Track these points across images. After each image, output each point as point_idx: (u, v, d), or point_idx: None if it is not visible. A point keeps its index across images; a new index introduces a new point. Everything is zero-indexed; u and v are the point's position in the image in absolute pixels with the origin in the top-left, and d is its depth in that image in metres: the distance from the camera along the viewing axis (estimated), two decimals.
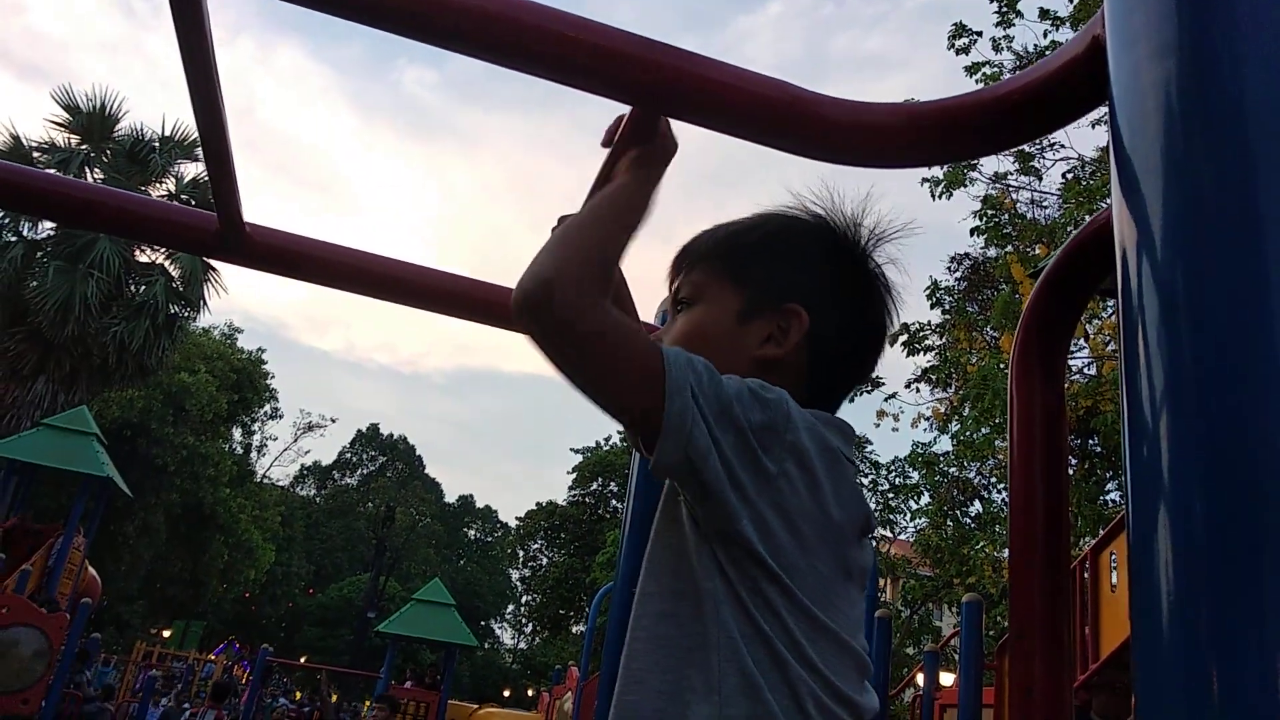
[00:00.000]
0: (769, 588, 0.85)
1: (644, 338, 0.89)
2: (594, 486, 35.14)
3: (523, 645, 47.90)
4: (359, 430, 54.15)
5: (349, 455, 53.62)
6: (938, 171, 13.81)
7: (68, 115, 19.20)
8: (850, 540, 0.91)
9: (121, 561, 25.47)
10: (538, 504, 37.50)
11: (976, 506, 15.43)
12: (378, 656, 17.40)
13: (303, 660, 32.19)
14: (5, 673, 10.40)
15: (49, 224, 19.94)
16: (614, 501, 34.55)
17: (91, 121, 19.27)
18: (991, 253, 14.34)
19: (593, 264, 0.93)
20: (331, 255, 1.48)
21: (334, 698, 25.92)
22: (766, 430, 0.85)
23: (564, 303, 0.87)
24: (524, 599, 44.13)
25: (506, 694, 30.23)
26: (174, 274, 20.71)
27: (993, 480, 14.80)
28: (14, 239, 19.39)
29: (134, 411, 23.12)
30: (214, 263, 21.22)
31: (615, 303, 0.98)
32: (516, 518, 41.70)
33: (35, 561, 12.56)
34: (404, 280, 1.52)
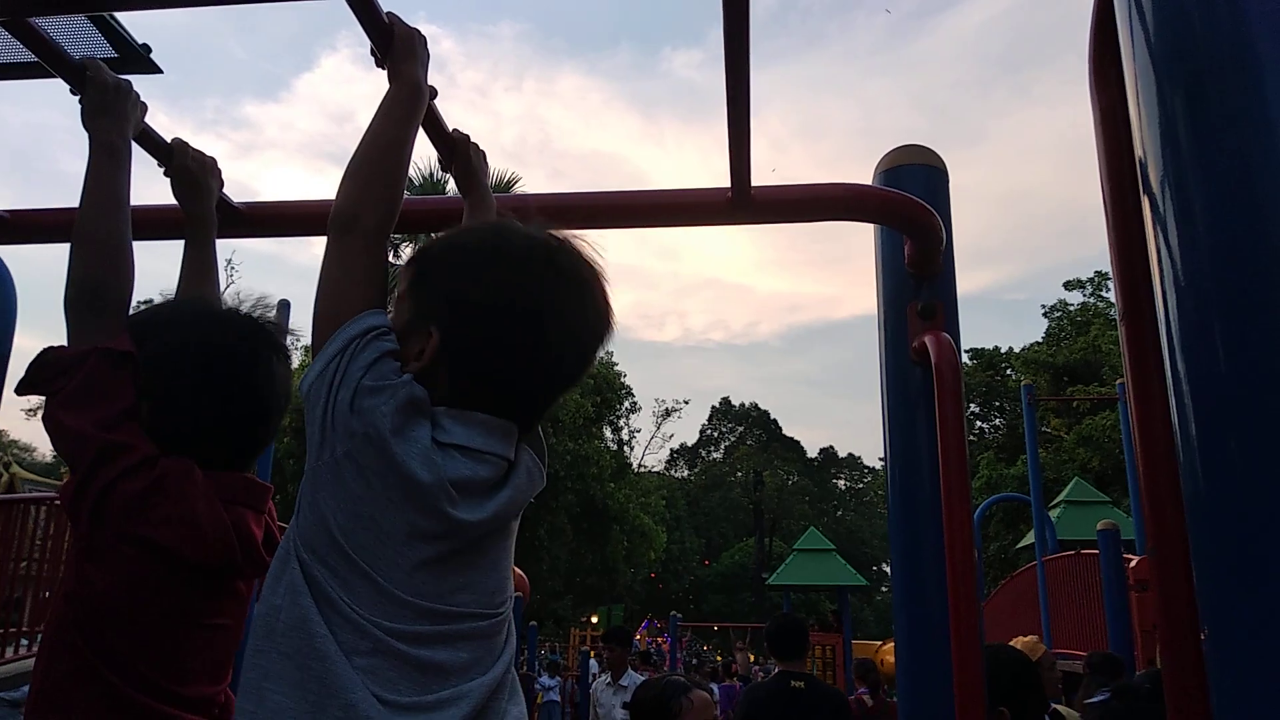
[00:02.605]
0: None
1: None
2: None
3: None
4: (713, 406, 56.50)
5: (709, 431, 56.17)
6: None
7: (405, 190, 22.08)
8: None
9: (542, 563, 28.78)
10: None
11: None
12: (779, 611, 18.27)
13: (715, 627, 34.42)
14: None
15: None
16: (978, 424, 33.02)
17: (424, 188, 22.01)
18: None
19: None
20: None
21: (751, 657, 27.37)
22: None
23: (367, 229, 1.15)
24: None
25: None
26: None
27: None
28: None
29: None
30: None
31: None
32: (880, 459, 41.08)
33: None
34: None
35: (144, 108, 1.53)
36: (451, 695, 1.00)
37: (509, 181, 22.71)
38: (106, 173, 1.41)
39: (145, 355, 1.30)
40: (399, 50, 1.31)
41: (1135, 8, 0.78)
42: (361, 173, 1.19)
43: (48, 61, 1.39)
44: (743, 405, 56.37)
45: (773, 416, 56.46)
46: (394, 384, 1.03)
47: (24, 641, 5.93)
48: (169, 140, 1.64)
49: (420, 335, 1.09)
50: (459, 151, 1.67)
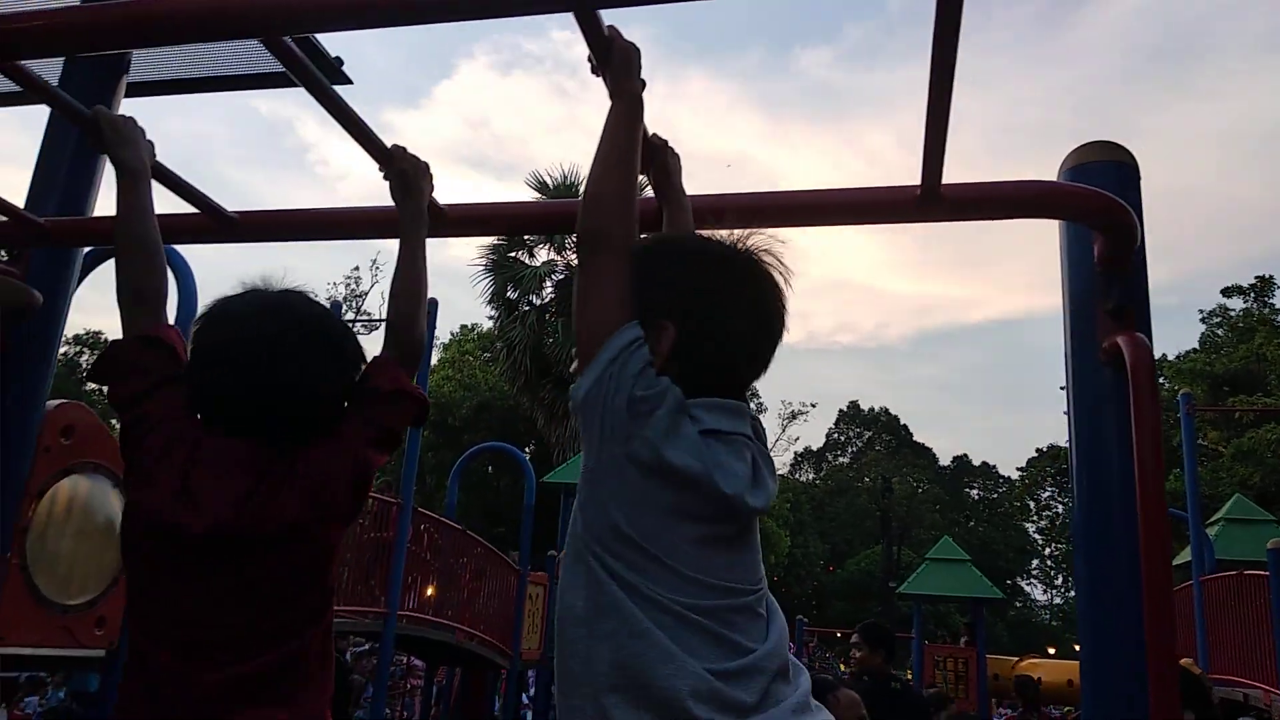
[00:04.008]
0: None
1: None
2: None
3: (1058, 600, 45.14)
4: (840, 410, 55.54)
5: (836, 435, 55.22)
6: None
7: (541, 195, 22.70)
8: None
9: None
10: (1038, 450, 35.51)
11: None
12: (907, 624, 17.75)
13: (838, 633, 33.84)
14: None
15: (549, 289, 23.67)
16: None
17: (559, 192, 22.54)
18: None
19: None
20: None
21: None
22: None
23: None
24: (1046, 551, 41.63)
25: (1051, 651, 28.70)
26: None
27: None
28: (528, 308, 23.32)
29: None
30: None
31: None
32: (1018, 469, 39.60)
33: None
34: None
35: (151, 146, 1.78)
36: (748, 665, 1.09)
37: (639, 185, 22.92)
38: (143, 193, 1.69)
39: (194, 343, 1.52)
40: (618, 64, 1.37)
41: None
42: (603, 191, 1.26)
43: (294, 72, 1.51)
44: (871, 410, 55.17)
45: (902, 422, 55.08)
46: (661, 389, 1.14)
47: None
48: (389, 145, 1.76)
49: (653, 330, 1.18)
50: (657, 154, 1.72)
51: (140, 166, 1.71)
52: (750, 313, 1.24)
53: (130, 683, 1.40)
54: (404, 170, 1.76)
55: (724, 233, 1.31)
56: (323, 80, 1.53)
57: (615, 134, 1.32)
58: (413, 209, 1.76)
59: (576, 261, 1.26)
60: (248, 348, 1.46)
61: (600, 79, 1.43)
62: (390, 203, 1.87)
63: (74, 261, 2.45)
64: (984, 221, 2.04)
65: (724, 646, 1.09)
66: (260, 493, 1.42)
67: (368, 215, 1.97)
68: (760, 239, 1.30)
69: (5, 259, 2.38)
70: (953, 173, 1.78)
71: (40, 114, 2.60)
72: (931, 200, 1.80)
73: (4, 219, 2.11)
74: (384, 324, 1.78)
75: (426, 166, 1.80)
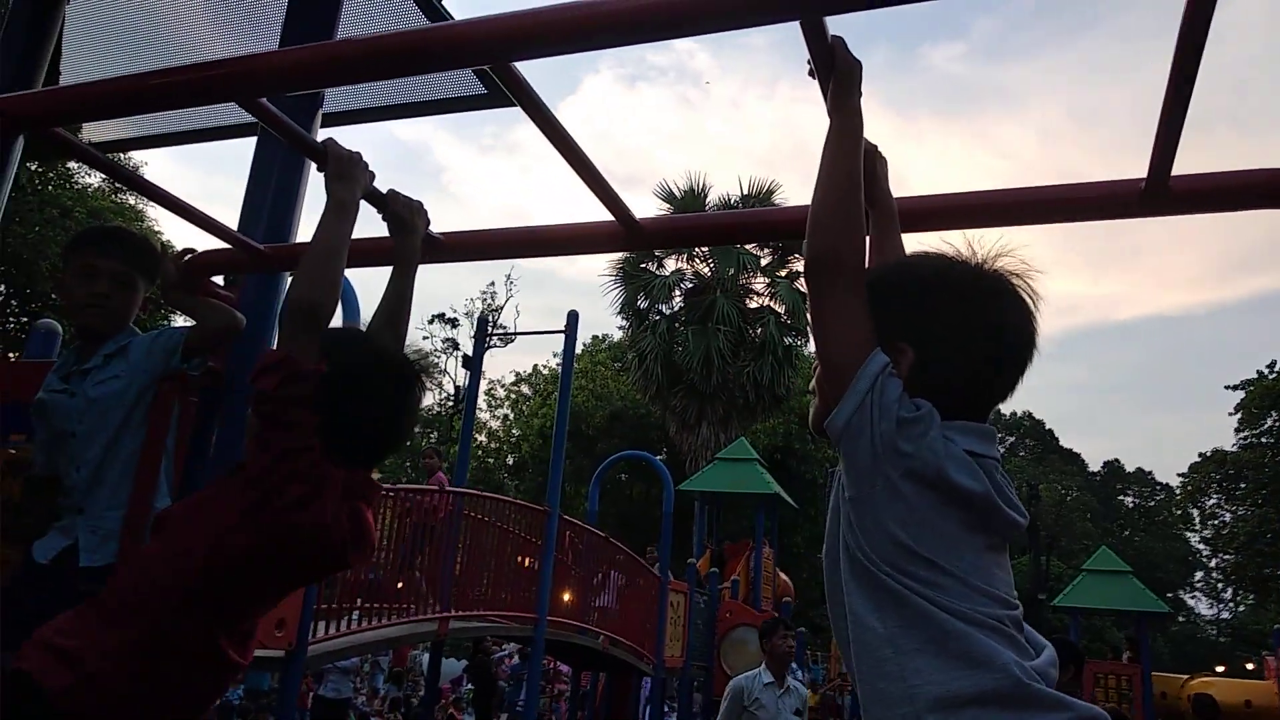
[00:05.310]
0: None
1: None
2: (1269, 423, 29.97)
3: (1225, 615, 42.14)
4: None
5: None
6: None
7: (668, 205, 22.83)
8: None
9: (802, 570, 28.59)
10: (1200, 455, 33.23)
11: None
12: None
13: None
14: (740, 662, 12.42)
15: (678, 298, 23.77)
16: None
17: (686, 202, 22.61)
18: None
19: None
20: None
21: None
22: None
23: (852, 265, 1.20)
24: (1212, 562, 38.89)
25: (1220, 669, 26.80)
26: (779, 311, 23.10)
27: None
28: (658, 317, 23.49)
29: (778, 437, 26.13)
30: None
31: None
32: (1178, 475, 37.21)
33: (739, 573, 14.87)
34: None
35: (372, 174, 1.84)
36: (1040, 667, 1.09)
37: (768, 190, 22.78)
38: (344, 223, 1.74)
39: (329, 371, 1.58)
40: (842, 79, 1.35)
41: None
42: (831, 212, 1.23)
43: (519, 99, 1.55)
44: (1014, 414, 52.94)
45: (1048, 426, 52.69)
46: (926, 411, 1.14)
47: (355, 615, 6.69)
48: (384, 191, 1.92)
49: (890, 352, 1.18)
50: (866, 160, 1.68)
51: (348, 201, 1.77)
52: (992, 339, 1.21)
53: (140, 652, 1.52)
54: (397, 212, 1.92)
55: (968, 249, 1.27)
56: (543, 104, 1.56)
57: (839, 151, 1.29)
58: (408, 246, 1.92)
59: (806, 287, 1.25)
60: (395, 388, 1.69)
61: (815, 80, 1.42)
62: (586, 219, 1.92)
63: (281, 286, 2.59)
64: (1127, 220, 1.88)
65: (1021, 651, 1.09)
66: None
67: (566, 232, 2.01)
68: (1010, 261, 1.26)
69: (222, 284, 2.54)
70: (1090, 167, 1.66)
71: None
72: (1158, 194, 1.70)
73: (227, 246, 2.26)
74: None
75: (420, 205, 1.96)
